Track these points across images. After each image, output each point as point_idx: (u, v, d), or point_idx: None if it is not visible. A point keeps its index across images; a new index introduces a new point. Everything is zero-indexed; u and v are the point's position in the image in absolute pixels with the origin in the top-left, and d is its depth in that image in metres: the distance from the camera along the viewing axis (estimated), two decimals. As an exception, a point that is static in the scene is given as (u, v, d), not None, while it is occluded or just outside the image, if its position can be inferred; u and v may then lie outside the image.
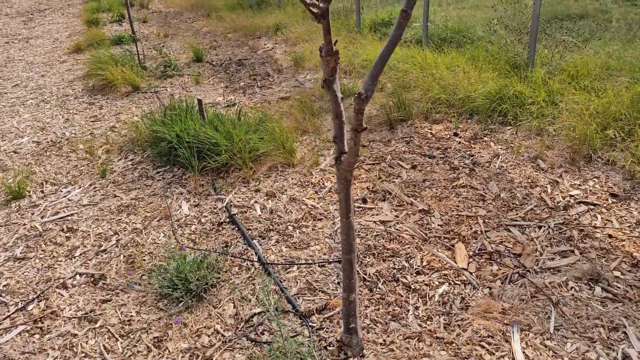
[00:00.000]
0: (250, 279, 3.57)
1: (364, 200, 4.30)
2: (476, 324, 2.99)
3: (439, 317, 3.11)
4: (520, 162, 4.59)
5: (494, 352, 2.82)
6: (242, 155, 4.85)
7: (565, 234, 3.69)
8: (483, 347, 2.86)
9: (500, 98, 5.36)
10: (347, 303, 2.77)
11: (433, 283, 3.37)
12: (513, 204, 4.07)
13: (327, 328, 3.10)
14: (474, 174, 4.50)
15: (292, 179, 4.73)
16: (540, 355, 2.77)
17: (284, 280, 3.53)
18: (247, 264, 3.71)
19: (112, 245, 4.06)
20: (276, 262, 3.71)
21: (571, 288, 3.24)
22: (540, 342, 2.86)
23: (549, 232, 3.73)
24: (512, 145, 4.87)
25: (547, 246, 3.60)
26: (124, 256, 3.91)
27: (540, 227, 3.78)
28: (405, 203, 4.20)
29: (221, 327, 3.14)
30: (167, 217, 4.37)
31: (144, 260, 3.84)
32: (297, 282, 3.50)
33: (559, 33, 6.48)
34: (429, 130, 5.41)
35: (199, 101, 5.36)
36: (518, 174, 4.44)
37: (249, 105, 6.78)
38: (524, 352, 2.80)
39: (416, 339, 2.95)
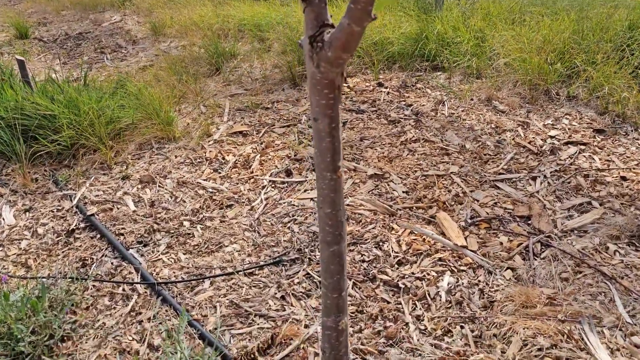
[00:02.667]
0: (134, 313, 2.11)
1: (289, 173, 3.02)
2: (522, 329, 1.88)
3: (460, 326, 1.95)
4: (472, 107, 3.63)
5: (570, 371, 1.73)
6: (96, 130, 3.28)
7: (569, 183, 2.75)
8: (550, 365, 1.76)
9: (426, 38, 4.38)
10: (335, 335, 1.49)
11: (428, 275, 2.20)
12: (486, 154, 3.06)
13: (286, 380, 1.79)
14: (421, 125, 3.43)
15: (177, 156, 3.28)
16: (638, 362, 1.74)
17: (194, 307, 2.13)
18: (124, 290, 2.24)
19: None
20: (174, 278, 2.28)
21: (615, 252, 2.27)
22: (629, 342, 1.83)
23: (548, 183, 2.76)
24: (453, 90, 3.90)
25: (555, 201, 2.63)
26: None
27: (534, 179, 2.81)
28: (347, 169, 3.00)
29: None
30: (-22, 233, 2.69)
31: None
32: (215, 307, 2.12)
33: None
34: (345, 84, 4.26)
35: (20, 62, 3.65)
36: (476, 119, 3.46)
37: (100, 79, 5.10)
38: (615, 363, 1.74)
39: (440, 371, 1.76)
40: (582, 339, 1.83)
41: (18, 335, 1.86)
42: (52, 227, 2.71)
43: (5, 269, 2.43)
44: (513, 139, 3.20)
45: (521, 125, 3.35)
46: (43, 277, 2.30)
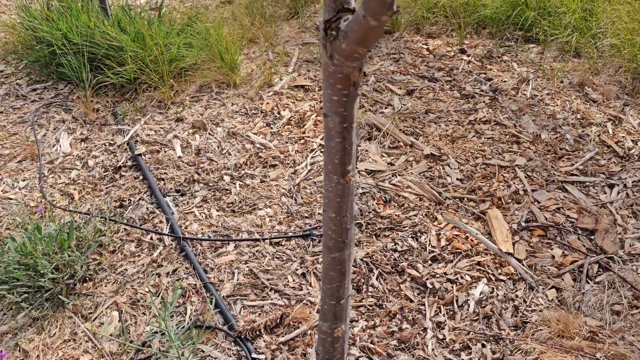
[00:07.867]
0: (155, 264, 2.12)
1: (341, 139, 2.86)
2: (550, 362, 1.69)
3: (481, 344, 1.78)
4: (560, 91, 3.24)
5: (595, 423, 1.53)
6: (158, 67, 3.27)
7: (652, 197, 2.41)
8: (572, 411, 1.57)
9: (525, 4, 3.93)
10: (330, 340, 1.39)
11: (462, 278, 2.02)
12: (562, 149, 2.74)
13: (284, 367, 1.73)
14: (496, 104, 3.12)
15: (233, 104, 3.21)
16: None
17: (213, 269, 2.10)
18: (152, 239, 2.25)
19: None
20: (200, 235, 2.26)
21: (686, 290, 1.97)
22: (674, 403, 1.60)
23: (626, 193, 2.43)
24: (542, 67, 3.50)
25: (629, 217, 2.31)
26: (-52, 220, 2.35)
27: (612, 187, 2.48)
28: (402, 144, 2.79)
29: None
30: (35, 156, 2.80)
31: (-21, 227, 2.30)
32: (233, 273, 2.08)
33: None
34: (424, 46, 3.95)
35: (99, -12, 3.66)
36: (560, 106, 3.09)
37: (180, 10, 5.07)
38: None
39: (447, 391, 1.63)
40: (619, 388, 1.62)
41: (41, 270, 1.92)
42: (102, 161, 2.76)
43: (52, 196, 2.52)
44: (598, 135, 2.83)
45: (612, 120, 2.95)
46: (78, 212, 2.35)
